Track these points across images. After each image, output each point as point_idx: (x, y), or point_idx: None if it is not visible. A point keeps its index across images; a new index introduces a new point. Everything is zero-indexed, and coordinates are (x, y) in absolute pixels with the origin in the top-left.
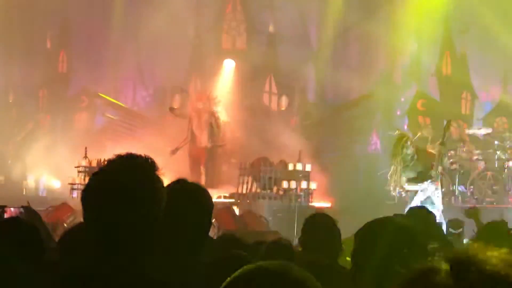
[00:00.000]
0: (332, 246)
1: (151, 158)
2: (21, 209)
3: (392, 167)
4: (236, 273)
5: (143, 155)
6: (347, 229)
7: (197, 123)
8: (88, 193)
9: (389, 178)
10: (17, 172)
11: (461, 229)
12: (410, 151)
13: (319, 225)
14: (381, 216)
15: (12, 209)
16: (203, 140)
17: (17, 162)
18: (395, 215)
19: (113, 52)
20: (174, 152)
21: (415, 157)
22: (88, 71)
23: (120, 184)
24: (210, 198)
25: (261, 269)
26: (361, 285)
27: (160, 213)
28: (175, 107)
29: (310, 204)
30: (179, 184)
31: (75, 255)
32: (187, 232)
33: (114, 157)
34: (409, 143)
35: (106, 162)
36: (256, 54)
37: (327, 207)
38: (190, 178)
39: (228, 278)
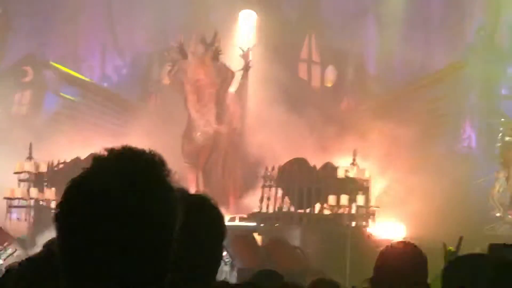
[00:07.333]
0: None
1: (159, 155)
2: None
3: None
4: None
5: (147, 150)
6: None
7: (195, 99)
8: (65, 212)
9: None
10: None
11: None
12: None
13: None
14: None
15: None
16: (207, 123)
17: None
18: (495, 245)
19: (71, 5)
20: None
21: None
22: (34, 31)
23: (115, 196)
24: (222, 217)
25: None
26: None
27: (174, 236)
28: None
29: (370, 229)
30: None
31: None
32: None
33: (101, 154)
34: None
35: (93, 161)
36: (288, 2)
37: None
38: (191, 188)
39: None
